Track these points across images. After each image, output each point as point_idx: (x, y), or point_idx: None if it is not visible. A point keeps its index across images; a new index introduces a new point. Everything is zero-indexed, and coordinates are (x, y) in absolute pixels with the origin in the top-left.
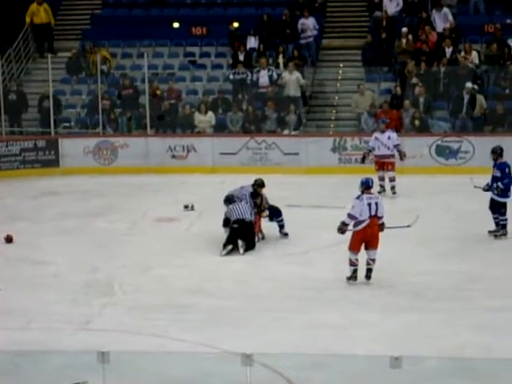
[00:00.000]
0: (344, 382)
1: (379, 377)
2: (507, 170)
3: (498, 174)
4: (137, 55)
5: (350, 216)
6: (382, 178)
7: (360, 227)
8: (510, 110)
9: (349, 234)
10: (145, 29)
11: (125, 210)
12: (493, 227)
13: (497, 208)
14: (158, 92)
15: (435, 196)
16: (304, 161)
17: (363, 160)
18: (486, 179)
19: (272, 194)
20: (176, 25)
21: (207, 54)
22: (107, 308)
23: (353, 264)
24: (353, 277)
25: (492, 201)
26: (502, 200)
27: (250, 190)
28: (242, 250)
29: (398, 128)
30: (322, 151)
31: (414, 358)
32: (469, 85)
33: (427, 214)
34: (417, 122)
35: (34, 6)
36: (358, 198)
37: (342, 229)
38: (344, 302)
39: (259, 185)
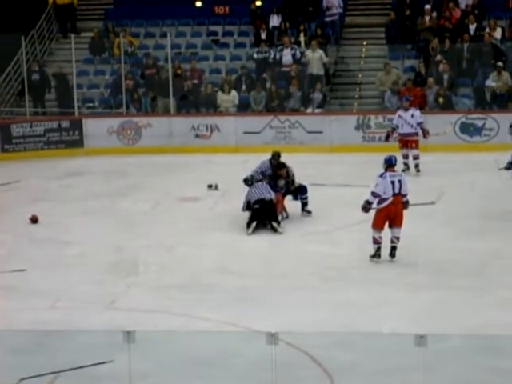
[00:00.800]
0: (369, 360)
1: (404, 355)
2: None
3: None
4: (160, 35)
5: (374, 194)
6: (405, 156)
7: (383, 205)
8: None
9: (373, 213)
10: (167, 8)
11: (149, 190)
12: None
13: None
14: (179, 71)
15: (459, 174)
16: (328, 139)
17: (387, 138)
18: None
19: (296, 173)
20: (199, 4)
21: (230, 33)
22: (132, 287)
23: (376, 242)
24: (376, 255)
25: None
26: None
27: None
28: (250, 231)
29: (422, 106)
30: (346, 129)
31: (438, 336)
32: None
33: (451, 191)
34: (441, 100)
35: None
36: (381, 176)
37: (366, 207)
38: (368, 280)
39: (274, 156)
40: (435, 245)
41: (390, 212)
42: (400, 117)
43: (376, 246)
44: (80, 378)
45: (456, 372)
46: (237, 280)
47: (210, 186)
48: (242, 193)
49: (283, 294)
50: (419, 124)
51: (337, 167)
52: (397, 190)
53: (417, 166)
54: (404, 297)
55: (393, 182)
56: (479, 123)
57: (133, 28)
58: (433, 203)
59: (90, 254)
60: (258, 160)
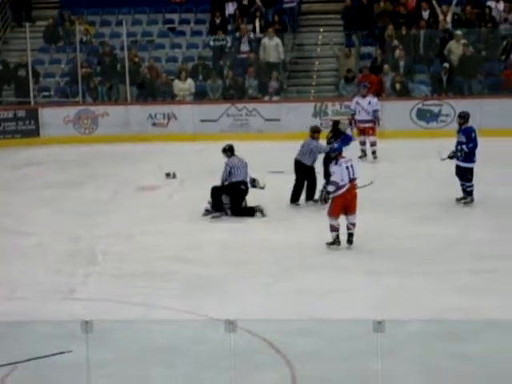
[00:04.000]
0: (328, 346)
1: (363, 341)
2: (473, 134)
3: (463, 138)
4: (115, 23)
5: (333, 183)
6: (363, 143)
7: (340, 192)
8: (490, 71)
9: None
10: None
11: (106, 179)
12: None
13: (464, 174)
14: (137, 59)
15: (417, 160)
16: (285, 126)
17: (350, 124)
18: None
19: (254, 161)
20: None
21: (186, 21)
22: (91, 277)
23: (335, 229)
24: (336, 242)
25: (457, 167)
26: (467, 165)
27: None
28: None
29: (379, 92)
30: (303, 117)
31: (397, 321)
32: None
33: (409, 178)
34: (397, 86)
35: None
36: (336, 163)
37: (326, 198)
38: (328, 267)
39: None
40: (393, 231)
41: (345, 199)
42: (357, 103)
43: (335, 233)
44: (38, 368)
45: (414, 357)
46: (196, 268)
47: (167, 175)
48: (200, 181)
49: (243, 282)
50: (374, 111)
51: (294, 154)
52: (352, 175)
53: (374, 152)
54: (363, 283)
55: (347, 168)
56: (435, 109)
57: (88, 16)
58: (371, 183)
59: (48, 243)
60: (215, 148)
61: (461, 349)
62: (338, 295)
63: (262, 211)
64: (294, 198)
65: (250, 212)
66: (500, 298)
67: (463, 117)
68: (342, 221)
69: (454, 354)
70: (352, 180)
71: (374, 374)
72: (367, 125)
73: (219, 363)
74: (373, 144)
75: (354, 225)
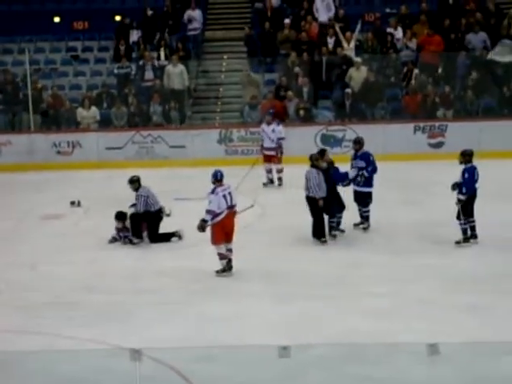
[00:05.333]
0: (233, 372)
1: (268, 366)
2: (371, 158)
3: (363, 163)
4: (18, 51)
5: (209, 212)
6: (268, 171)
7: (218, 219)
8: (393, 96)
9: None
10: (25, 23)
11: (10, 208)
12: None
13: (362, 199)
14: (39, 86)
15: None
16: (191, 153)
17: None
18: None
19: (160, 188)
20: (57, 19)
21: (90, 49)
22: None
23: (223, 257)
24: (228, 267)
25: (356, 193)
26: (366, 190)
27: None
28: None
29: (284, 118)
30: (209, 143)
31: (302, 346)
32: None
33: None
34: (301, 112)
35: None
36: (212, 192)
37: (203, 226)
38: (231, 293)
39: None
40: (293, 256)
41: (224, 225)
42: (263, 131)
43: (224, 260)
44: None
45: (320, 381)
46: (102, 296)
47: (72, 203)
48: (105, 209)
49: (149, 310)
50: (279, 139)
51: (200, 181)
52: (229, 203)
53: (279, 179)
54: (267, 308)
55: (224, 196)
56: (339, 135)
57: None
58: (252, 206)
59: None
60: (121, 175)
61: (366, 372)
62: (243, 320)
63: (179, 235)
64: (320, 234)
65: (167, 237)
66: (403, 321)
67: (358, 142)
68: None
69: (360, 377)
70: (230, 207)
71: None
72: (271, 152)
73: None
74: (279, 171)
75: (231, 250)
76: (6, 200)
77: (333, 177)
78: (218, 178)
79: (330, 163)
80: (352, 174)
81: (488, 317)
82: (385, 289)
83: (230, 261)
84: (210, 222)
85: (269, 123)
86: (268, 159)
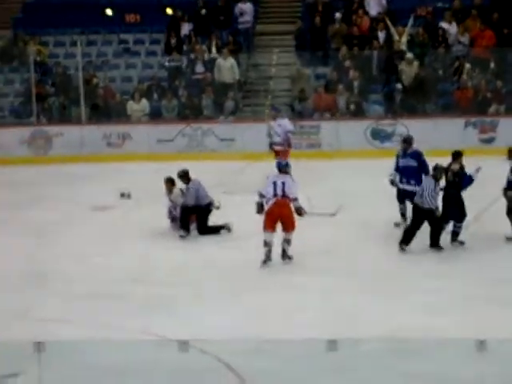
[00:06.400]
0: (282, 366)
1: (317, 360)
2: (422, 157)
3: (414, 163)
4: (70, 43)
5: (259, 193)
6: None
7: (268, 206)
8: (444, 91)
9: None
10: (77, 16)
11: (60, 199)
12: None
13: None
14: (95, 80)
15: (371, 179)
16: (240, 146)
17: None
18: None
19: (209, 181)
20: (109, 12)
21: (141, 41)
22: (43, 298)
23: (265, 244)
24: (266, 258)
25: (404, 192)
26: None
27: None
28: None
29: (333, 112)
30: (258, 136)
31: (350, 340)
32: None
33: (366, 197)
34: (352, 106)
35: None
36: (267, 177)
37: (258, 208)
38: (279, 286)
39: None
40: (348, 250)
41: (273, 213)
42: (270, 127)
43: (265, 248)
44: None
45: (368, 376)
46: (150, 288)
47: (122, 195)
48: (155, 201)
49: (197, 302)
50: (287, 132)
51: (249, 174)
52: (279, 192)
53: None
54: (316, 302)
55: (275, 183)
56: (389, 129)
57: (42, 36)
58: (333, 215)
59: (1, 264)
60: (170, 167)
61: (413, 367)
62: (290, 314)
63: (229, 228)
64: (405, 240)
65: (216, 230)
66: (451, 317)
67: (408, 141)
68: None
69: (408, 372)
70: (281, 196)
71: None
72: (278, 147)
73: (170, 383)
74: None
75: (287, 241)
76: (57, 191)
77: (462, 182)
78: (281, 168)
79: (461, 168)
80: (475, 175)
81: None
82: (437, 284)
83: (268, 251)
84: (263, 203)
85: (274, 118)
86: (277, 154)
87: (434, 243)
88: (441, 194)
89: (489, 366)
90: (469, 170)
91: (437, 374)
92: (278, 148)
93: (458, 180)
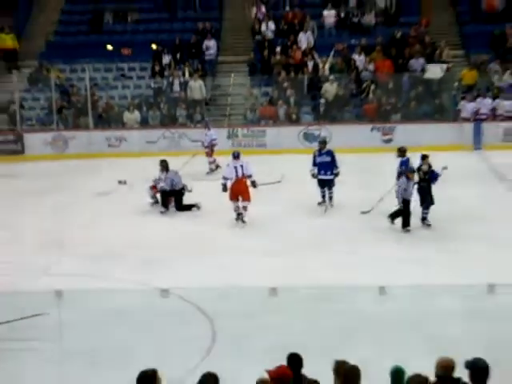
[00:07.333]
0: (239, 307)
1: (262, 304)
2: (334, 154)
3: (329, 158)
4: (81, 70)
5: (223, 177)
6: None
7: (230, 183)
8: (356, 104)
9: None
10: (86, 51)
11: (72, 187)
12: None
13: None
14: (96, 97)
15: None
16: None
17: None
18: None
19: (184, 170)
20: (109, 47)
21: (133, 69)
22: (61, 258)
23: (234, 210)
24: (237, 217)
25: (323, 180)
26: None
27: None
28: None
29: (275, 120)
30: (220, 138)
31: (286, 288)
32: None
33: (299, 179)
34: (290, 116)
35: (2, 35)
36: (227, 165)
37: (223, 187)
38: (235, 248)
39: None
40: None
41: (234, 189)
42: (205, 135)
43: (235, 212)
44: (18, 329)
45: (298, 314)
46: (144, 251)
47: (120, 182)
48: (144, 187)
49: (177, 260)
50: (212, 140)
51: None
52: (239, 174)
53: (211, 169)
54: (261, 260)
55: (235, 167)
56: (316, 133)
57: (60, 65)
58: (279, 182)
59: (27, 234)
60: (155, 162)
61: (333, 307)
62: (245, 269)
63: (198, 206)
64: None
65: (189, 207)
66: (361, 271)
67: (324, 142)
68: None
69: (329, 310)
70: (240, 176)
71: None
72: (207, 150)
73: (155, 321)
74: (210, 162)
75: (244, 208)
76: (71, 181)
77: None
78: (234, 156)
79: (429, 167)
80: (441, 172)
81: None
82: (348, 248)
83: (239, 214)
84: (227, 184)
85: (206, 128)
86: (208, 154)
87: (405, 224)
88: (415, 187)
89: (388, 306)
90: (436, 168)
91: (349, 311)
92: (206, 150)
93: (428, 177)
